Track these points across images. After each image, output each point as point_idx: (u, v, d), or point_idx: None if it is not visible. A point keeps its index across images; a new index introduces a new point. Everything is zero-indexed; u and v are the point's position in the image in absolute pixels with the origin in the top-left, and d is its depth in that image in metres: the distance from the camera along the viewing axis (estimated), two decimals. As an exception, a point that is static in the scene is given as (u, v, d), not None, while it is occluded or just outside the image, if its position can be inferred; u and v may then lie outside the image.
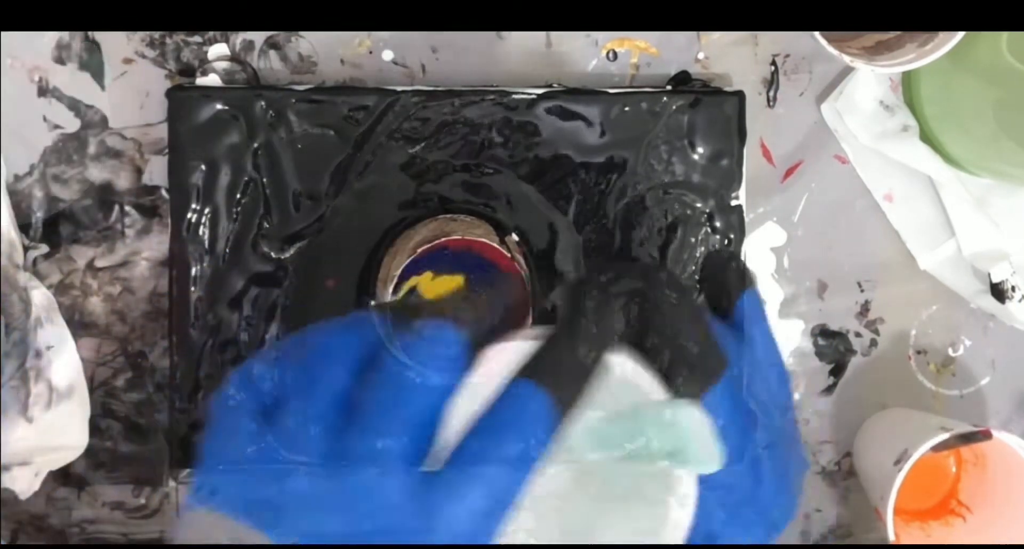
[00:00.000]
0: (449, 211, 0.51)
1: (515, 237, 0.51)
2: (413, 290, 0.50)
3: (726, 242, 0.52)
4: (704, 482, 0.30)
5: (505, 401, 0.29)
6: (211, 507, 0.28)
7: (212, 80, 0.52)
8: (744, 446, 0.31)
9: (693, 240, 0.52)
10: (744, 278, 0.35)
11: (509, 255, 0.50)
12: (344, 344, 0.31)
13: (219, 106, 0.50)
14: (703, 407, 0.30)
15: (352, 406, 0.29)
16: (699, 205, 0.52)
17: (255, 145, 0.51)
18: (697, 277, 0.52)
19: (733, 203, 0.52)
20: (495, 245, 0.49)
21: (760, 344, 0.33)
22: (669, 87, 0.54)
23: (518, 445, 0.28)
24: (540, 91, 0.52)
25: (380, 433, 0.28)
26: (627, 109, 0.52)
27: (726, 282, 0.35)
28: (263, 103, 0.51)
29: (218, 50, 0.53)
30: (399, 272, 0.49)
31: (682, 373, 0.30)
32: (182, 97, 0.51)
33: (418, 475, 0.28)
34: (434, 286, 0.50)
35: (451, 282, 0.51)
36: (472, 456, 0.28)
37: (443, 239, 0.49)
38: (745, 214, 0.53)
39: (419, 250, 0.48)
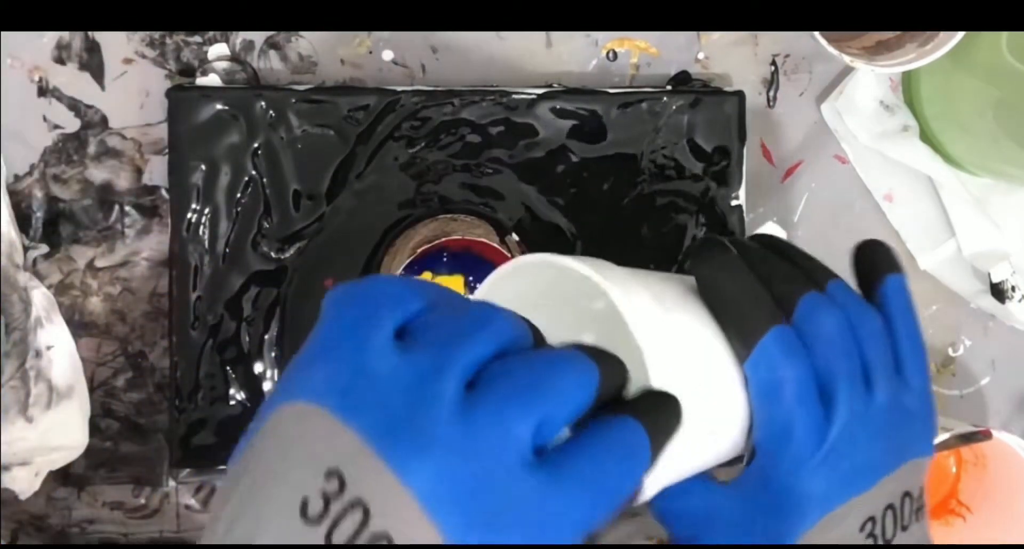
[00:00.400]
0: (449, 211, 0.52)
1: (515, 237, 0.51)
2: None
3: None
4: None
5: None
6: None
7: (212, 80, 0.52)
8: None
9: (693, 240, 0.52)
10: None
11: (509, 255, 0.50)
12: None
13: (219, 106, 0.50)
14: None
15: None
16: (699, 205, 0.52)
17: (255, 145, 0.51)
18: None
19: (733, 203, 0.52)
20: (495, 245, 0.50)
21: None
22: (669, 87, 0.54)
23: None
24: (540, 91, 0.52)
25: None
26: (627, 109, 0.52)
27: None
28: (263, 103, 0.51)
29: (218, 50, 0.53)
30: (399, 273, 0.49)
31: None
32: (182, 97, 0.51)
33: None
34: None
35: (451, 284, 0.51)
36: None
37: (443, 239, 0.49)
38: (745, 214, 0.53)
39: (419, 250, 0.48)
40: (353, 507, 0.22)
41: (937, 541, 0.54)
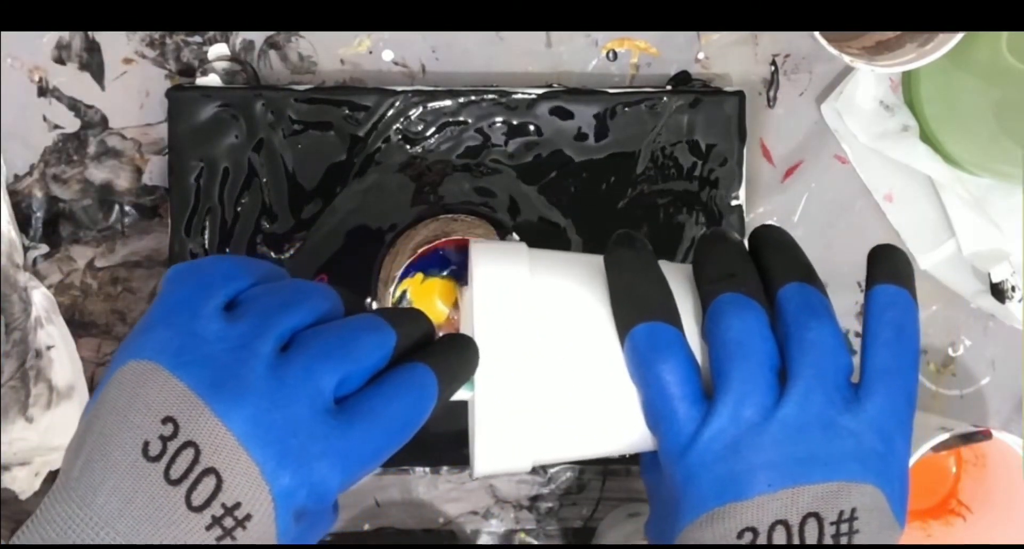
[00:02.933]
0: (450, 211, 0.52)
1: (515, 237, 0.51)
2: (403, 296, 0.50)
3: (726, 242, 0.53)
4: None
5: None
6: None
7: (212, 80, 0.52)
8: None
9: (693, 240, 0.52)
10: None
11: None
12: None
13: (219, 106, 0.50)
14: None
15: None
16: (699, 205, 0.52)
17: (255, 145, 0.51)
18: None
19: (733, 203, 0.52)
20: None
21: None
22: (669, 87, 0.54)
23: None
24: (540, 91, 0.52)
25: None
26: (627, 109, 0.52)
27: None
28: (263, 103, 0.51)
29: (218, 50, 0.53)
30: (400, 273, 0.49)
31: None
32: (182, 97, 0.51)
33: None
34: (424, 289, 0.50)
35: (441, 285, 0.51)
36: None
37: (444, 239, 0.49)
38: (745, 214, 0.53)
39: (419, 251, 0.48)
40: (185, 447, 0.27)
41: (937, 541, 0.54)
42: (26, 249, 0.53)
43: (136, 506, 0.26)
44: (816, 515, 0.30)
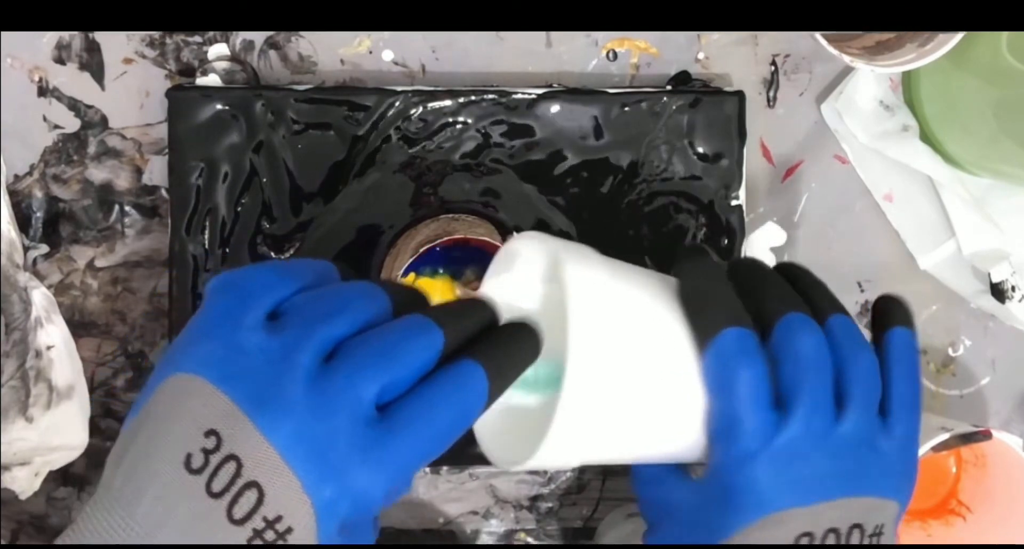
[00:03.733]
0: (451, 211, 0.51)
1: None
2: None
3: (726, 242, 0.53)
4: None
5: None
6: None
7: (212, 80, 0.52)
8: None
9: (693, 240, 0.52)
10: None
11: None
12: None
13: (219, 106, 0.50)
14: None
15: None
16: (699, 205, 0.52)
17: (255, 145, 0.51)
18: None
19: (733, 203, 0.52)
20: (498, 244, 0.49)
21: None
22: (669, 87, 0.54)
23: None
24: (540, 91, 0.52)
25: None
26: (627, 109, 0.52)
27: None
28: (263, 103, 0.51)
29: (218, 50, 0.53)
30: (401, 273, 0.49)
31: None
32: (182, 97, 0.51)
33: None
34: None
35: (440, 285, 0.50)
36: None
37: (445, 239, 0.49)
38: (745, 214, 0.53)
39: (421, 250, 0.48)
40: (228, 460, 0.27)
41: (937, 541, 0.54)
42: (26, 249, 0.53)
43: (178, 518, 0.26)
44: (860, 526, 0.33)
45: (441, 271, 0.50)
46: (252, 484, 0.27)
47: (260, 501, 0.27)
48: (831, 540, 0.32)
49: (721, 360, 0.33)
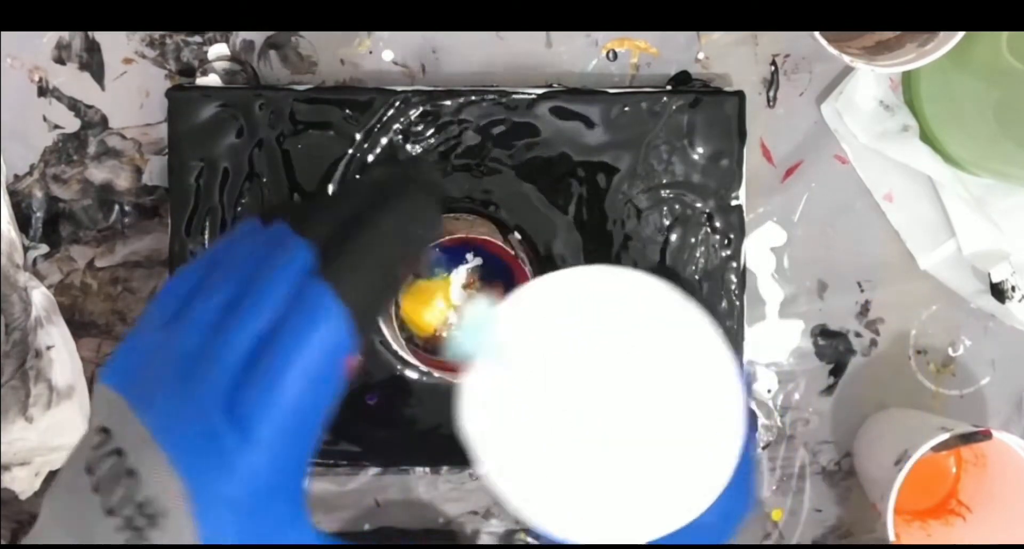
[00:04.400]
0: (452, 210, 0.51)
1: (518, 236, 0.51)
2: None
3: (726, 242, 0.53)
4: None
5: None
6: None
7: (212, 80, 0.52)
8: None
9: (693, 240, 0.52)
10: None
11: (513, 253, 0.49)
12: None
13: (219, 106, 0.50)
14: None
15: None
16: (699, 205, 0.52)
17: (254, 145, 0.51)
18: (697, 277, 0.52)
19: (733, 203, 0.52)
20: (499, 243, 0.49)
21: None
22: (669, 87, 0.54)
23: None
24: (540, 91, 0.52)
25: None
26: (627, 109, 0.52)
27: None
28: (262, 103, 0.51)
29: (218, 50, 0.53)
30: None
31: None
32: (182, 97, 0.51)
33: None
34: (419, 291, 0.50)
35: (440, 286, 0.50)
36: None
37: (445, 238, 0.49)
38: (745, 214, 0.53)
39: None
40: (111, 454, 0.27)
41: (937, 541, 0.54)
42: (26, 249, 0.53)
43: (63, 519, 0.27)
44: None
45: (440, 271, 0.50)
46: (131, 472, 0.26)
47: (134, 488, 0.26)
48: None
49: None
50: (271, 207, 0.32)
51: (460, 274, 0.47)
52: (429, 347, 0.49)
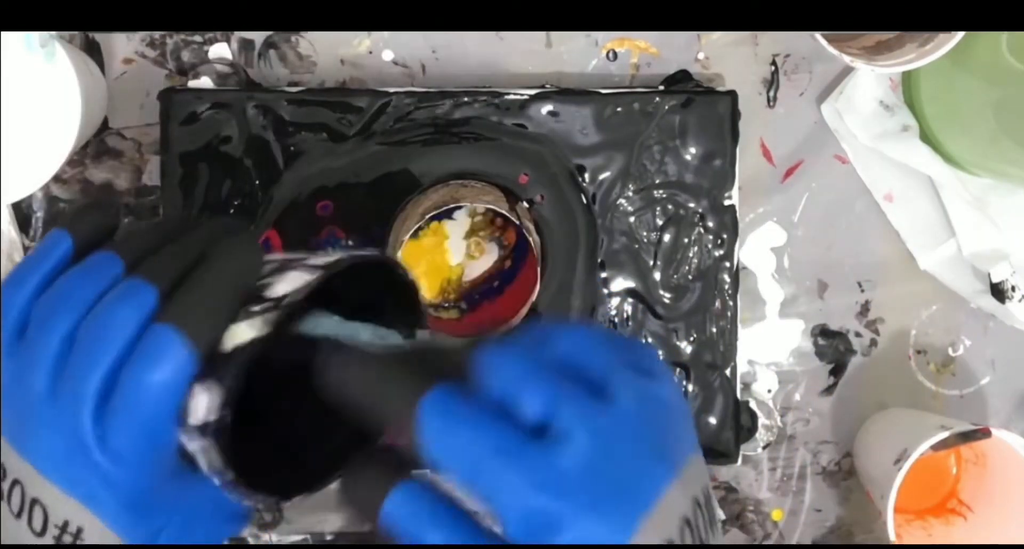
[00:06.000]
0: (460, 177, 0.51)
1: (525, 205, 0.51)
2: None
3: (719, 242, 0.52)
4: None
5: None
6: None
7: (204, 83, 0.52)
8: None
9: (686, 240, 0.52)
10: None
11: (518, 222, 0.49)
12: None
13: (211, 108, 0.50)
14: None
15: None
16: (692, 205, 0.52)
17: (246, 147, 0.51)
18: (690, 277, 0.52)
19: (726, 203, 0.52)
20: (505, 212, 0.49)
21: None
22: (662, 87, 0.54)
23: None
24: (533, 92, 0.52)
25: None
26: (619, 110, 0.52)
27: None
28: (255, 105, 0.51)
29: (218, 50, 0.53)
30: (407, 237, 0.48)
31: None
32: (174, 99, 0.50)
33: None
34: (418, 246, 0.49)
35: (435, 232, 0.50)
36: None
37: (452, 205, 0.49)
38: (742, 214, 0.53)
39: (428, 215, 0.48)
40: (15, 485, 0.30)
41: (937, 541, 0.54)
42: (26, 249, 0.53)
43: (4, 537, 0.30)
44: (696, 500, 0.28)
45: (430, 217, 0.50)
46: (35, 501, 0.30)
47: (46, 512, 0.30)
48: (687, 534, 0.27)
49: (433, 440, 0.27)
50: (85, 227, 0.33)
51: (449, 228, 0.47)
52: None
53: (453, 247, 0.53)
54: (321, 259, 0.31)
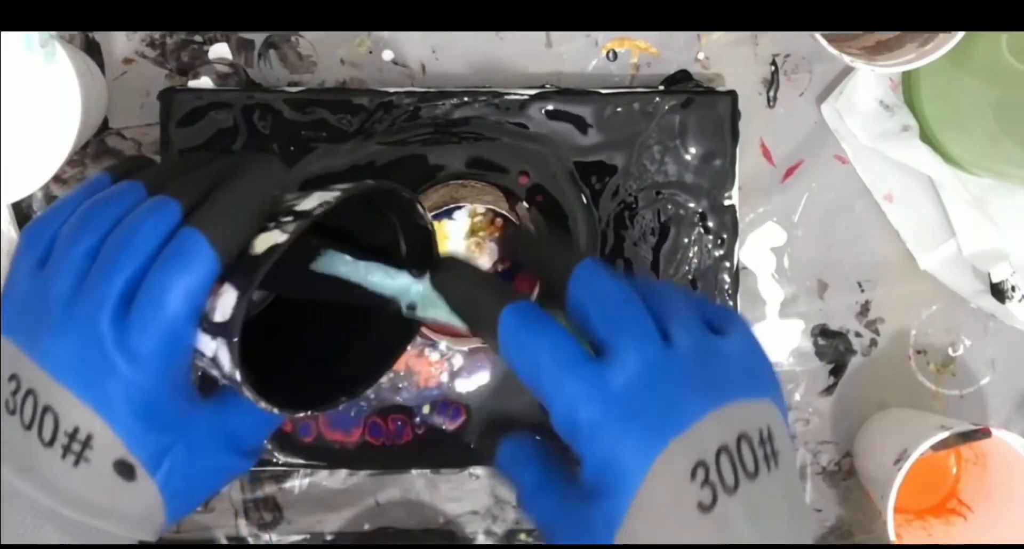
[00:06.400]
0: (460, 177, 0.51)
1: (525, 205, 0.51)
2: None
3: (719, 242, 0.52)
4: None
5: None
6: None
7: (204, 83, 0.52)
8: None
9: (686, 240, 0.52)
10: None
11: (518, 223, 0.49)
12: None
13: (211, 108, 0.50)
14: None
15: None
16: (692, 205, 0.52)
17: (245, 147, 0.51)
18: (690, 277, 0.52)
19: (726, 203, 0.52)
20: (505, 212, 0.49)
21: None
22: (661, 87, 0.54)
23: None
24: (532, 92, 0.52)
25: None
26: (619, 110, 0.52)
27: None
28: (254, 105, 0.51)
29: (218, 50, 0.53)
30: None
31: None
32: (173, 99, 0.50)
33: None
34: None
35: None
36: None
37: (451, 205, 0.49)
38: (742, 214, 0.53)
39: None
40: (28, 395, 0.31)
41: (937, 541, 0.54)
42: (26, 249, 0.53)
43: (8, 459, 0.31)
44: (746, 435, 0.31)
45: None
46: (47, 408, 0.31)
47: (57, 420, 0.31)
48: (725, 461, 0.30)
49: (512, 339, 0.32)
50: (122, 166, 0.36)
51: (447, 228, 0.47)
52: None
53: (453, 247, 0.53)
54: (344, 185, 0.34)
